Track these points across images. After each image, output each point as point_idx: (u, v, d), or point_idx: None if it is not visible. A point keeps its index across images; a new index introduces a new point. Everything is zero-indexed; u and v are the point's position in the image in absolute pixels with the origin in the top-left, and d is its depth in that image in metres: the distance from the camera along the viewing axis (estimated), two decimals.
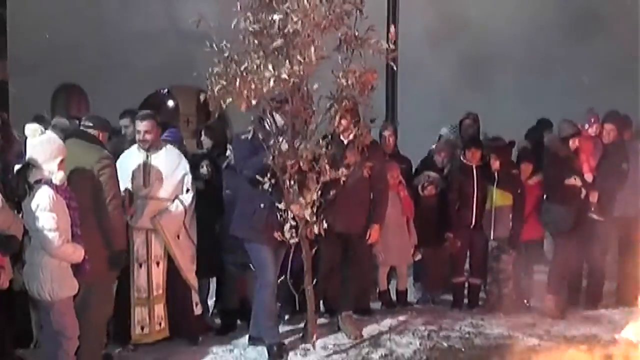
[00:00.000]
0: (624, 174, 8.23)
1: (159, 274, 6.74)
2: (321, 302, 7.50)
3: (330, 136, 6.28)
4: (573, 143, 8.12)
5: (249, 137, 6.22)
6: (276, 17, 5.72)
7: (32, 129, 5.29)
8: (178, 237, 6.77)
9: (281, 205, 6.07)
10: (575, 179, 8.06)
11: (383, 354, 6.75)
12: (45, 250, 5.12)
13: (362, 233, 7.16)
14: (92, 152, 5.76)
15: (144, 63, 12.41)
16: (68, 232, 5.21)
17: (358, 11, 5.90)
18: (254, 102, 5.81)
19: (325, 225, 6.10)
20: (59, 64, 11.53)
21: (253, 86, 5.72)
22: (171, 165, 6.76)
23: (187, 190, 6.79)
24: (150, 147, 6.72)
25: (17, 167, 5.37)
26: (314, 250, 6.40)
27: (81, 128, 6.13)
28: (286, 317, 7.59)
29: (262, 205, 6.33)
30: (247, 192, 6.43)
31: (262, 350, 6.66)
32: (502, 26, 12.54)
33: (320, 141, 6.10)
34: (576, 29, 12.39)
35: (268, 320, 6.66)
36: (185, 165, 6.83)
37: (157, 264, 6.73)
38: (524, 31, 12.53)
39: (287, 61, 5.77)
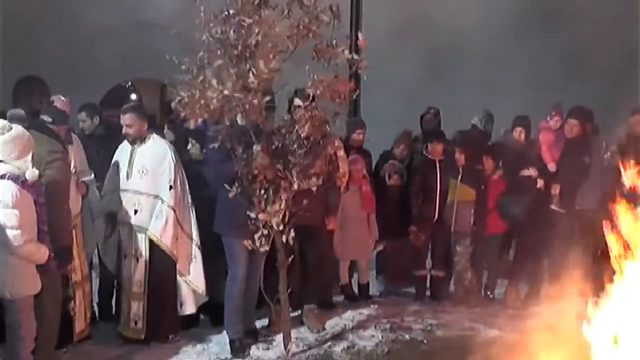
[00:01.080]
0: (585, 167, 8.34)
1: (139, 271, 6.67)
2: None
3: (297, 146, 6.22)
4: (518, 134, 8.31)
5: (217, 146, 6.17)
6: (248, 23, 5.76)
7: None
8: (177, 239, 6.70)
9: (252, 214, 6.06)
10: (529, 169, 8.20)
11: (345, 347, 6.78)
12: (7, 248, 4.99)
13: (321, 225, 7.23)
14: (44, 145, 5.55)
15: (107, 56, 12.29)
16: (33, 230, 5.09)
17: (335, 19, 5.92)
18: (199, 120, 5.96)
19: (292, 234, 6.10)
20: (21, 56, 11.38)
21: (203, 102, 5.75)
22: (156, 158, 6.69)
23: (170, 188, 6.64)
24: (135, 140, 6.72)
25: None
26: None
27: (40, 120, 6.04)
28: None
29: (238, 202, 6.25)
30: (226, 192, 6.30)
31: (226, 345, 6.66)
32: (465, 21, 12.61)
33: (298, 151, 6.09)
34: (536, 23, 12.51)
35: (233, 314, 6.69)
36: (170, 160, 6.68)
37: (137, 259, 6.68)
38: (486, 25, 12.61)
39: (235, 70, 5.81)
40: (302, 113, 6.03)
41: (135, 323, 6.72)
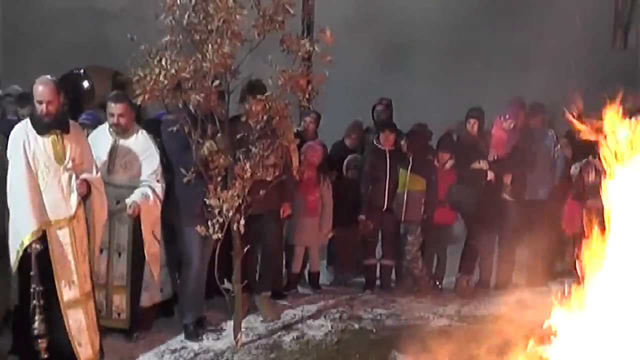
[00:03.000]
0: (535, 158, 8.47)
1: (120, 265, 6.45)
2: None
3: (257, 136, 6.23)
4: (471, 126, 8.40)
5: (175, 130, 6.16)
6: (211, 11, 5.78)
7: None
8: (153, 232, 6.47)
9: (208, 200, 6.07)
10: (479, 162, 8.29)
11: (295, 337, 6.81)
12: None
13: (276, 212, 7.27)
14: None
15: (60, 42, 12.11)
16: None
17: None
18: (147, 96, 5.82)
19: (243, 221, 6.11)
20: None
21: (152, 80, 5.74)
22: (140, 153, 6.40)
23: (158, 181, 6.42)
24: (122, 132, 6.38)
25: None
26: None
27: None
28: None
29: (196, 191, 6.26)
30: (182, 179, 6.26)
31: (177, 335, 6.74)
32: (419, 12, 12.65)
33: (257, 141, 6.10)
34: (490, 15, 12.60)
35: (188, 301, 6.80)
36: (155, 155, 6.42)
37: (119, 254, 6.44)
38: (440, 17, 12.68)
39: (205, 53, 5.80)
40: (260, 104, 6.06)
41: (119, 315, 6.52)
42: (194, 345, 6.58)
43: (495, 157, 8.49)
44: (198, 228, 6.13)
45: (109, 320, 6.46)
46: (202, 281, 6.81)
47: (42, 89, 5.56)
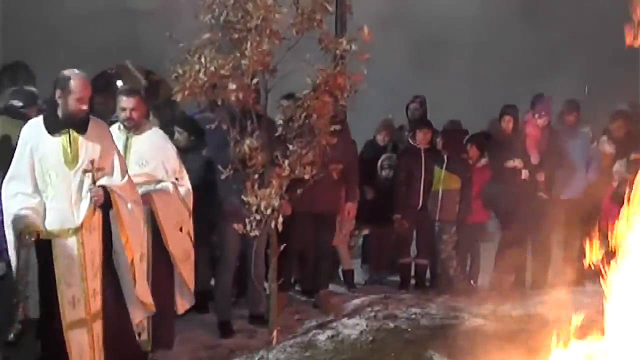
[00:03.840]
0: (566, 157, 8.36)
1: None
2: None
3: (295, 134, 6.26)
4: (506, 123, 8.32)
5: (214, 127, 6.23)
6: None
7: None
8: (181, 229, 5.98)
9: (245, 198, 6.08)
10: (514, 160, 8.21)
11: (329, 335, 6.75)
12: None
13: (335, 211, 7.33)
14: (16, 129, 5.47)
15: (92, 42, 12.19)
16: None
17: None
18: (186, 92, 5.84)
19: (281, 219, 6.11)
20: (5, 42, 11.28)
21: (191, 79, 5.78)
22: (157, 150, 5.95)
23: (177, 179, 5.98)
24: (134, 128, 5.95)
25: None
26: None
27: (10, 105, 6.00)
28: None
29: (233, 188, 6.32)
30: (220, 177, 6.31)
31: (211, 332, 6.80)
32: (451, 9, 12.58)
33: (295, 139, 6.13)
34: (523, 12, 12.50)
35: (222, 299, 6.93)
36: (174, 155, 6.03)
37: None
38: (473, 14, 12.59)
39: (244, 51, 5.83)
40: (301, 102, 6.09)
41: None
42: (229, 343, 6.61)
43: (530, 155, 8.40)
44: (235, 226, 6.13)
45: None
46: (256, 280, 6.82)
47: (84, 84, 5.14)
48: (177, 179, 5.98)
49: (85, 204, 5.16)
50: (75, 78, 5.13)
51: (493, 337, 6.16)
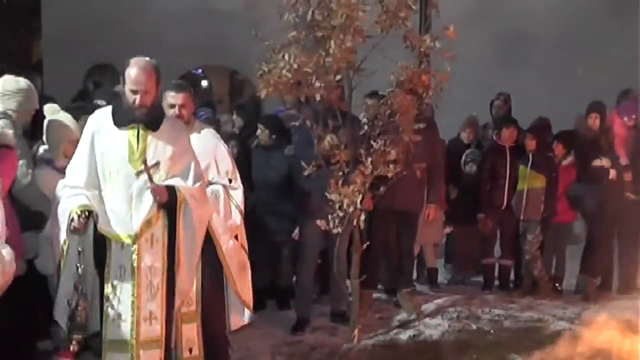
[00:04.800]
0: None
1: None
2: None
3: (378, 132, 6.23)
4: (593, 121, 8.10)
5: (299, 125, 6.25)
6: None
7: (50, 109, 5.38)
8: (236, 237, 5.37)
9: (329, 195, 6.09)
10: (601, 159, 7.99)
11: (411, 335, 6.74)
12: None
13: (418, 211, 7.27)
14: None
15: (177, 42, 12.42)
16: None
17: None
18: (271, 89, 5.86)
19: (363, 217, 6.09)
20: (92, 44, 11.59)
21: (275, 76, 5.80)
22: (206, 150, 5.27)
23: (230, 181, 5.40)
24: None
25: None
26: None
27: (94, 105, 6.14)
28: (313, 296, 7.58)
29: (315, 185, 6.34)
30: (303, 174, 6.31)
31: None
32: (537, 4, 12.36)
33: (378, 137, 6.10)
34: (611, 7, 12.18)
35: (302, 296, 6.99)
36: (227, 155, 5.47)
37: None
38: (559, 9, 12.34)
39: (328, 49, 5.83)
40: (385, 99, 6.07)
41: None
42: (310, 339, 6.63)
43: (618, 155, 8.18)
44: (319, 222, 6.16)
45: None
46: (338, 278, 6.83)
47: (139, 74, 4.57)
48: (230, 180, 5.41)
49: (147, 208, 4.57)
50: (132, 65, 4.60)
51: (578, 342, 6.03)
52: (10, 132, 4.89)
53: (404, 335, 6.74)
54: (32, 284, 5.03)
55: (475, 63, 11.30)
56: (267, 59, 5.87)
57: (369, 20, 5.94)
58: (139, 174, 4.57)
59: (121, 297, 4.56)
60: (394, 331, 6.85)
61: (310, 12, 5.86)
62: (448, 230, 8.48)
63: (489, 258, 8.42)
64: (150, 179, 4.56)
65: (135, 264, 4.56)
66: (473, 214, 8.26)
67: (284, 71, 5.75)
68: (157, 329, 4.64)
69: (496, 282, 8.43)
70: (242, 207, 5.42)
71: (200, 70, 14.72)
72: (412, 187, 6.89)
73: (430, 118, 8.03)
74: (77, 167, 4.66)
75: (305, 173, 6.10)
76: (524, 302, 7.80)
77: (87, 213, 4.44)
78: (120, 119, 4.62)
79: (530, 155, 8.13)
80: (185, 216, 4.68)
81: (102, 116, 4.72)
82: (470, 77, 10.75)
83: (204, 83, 15.36)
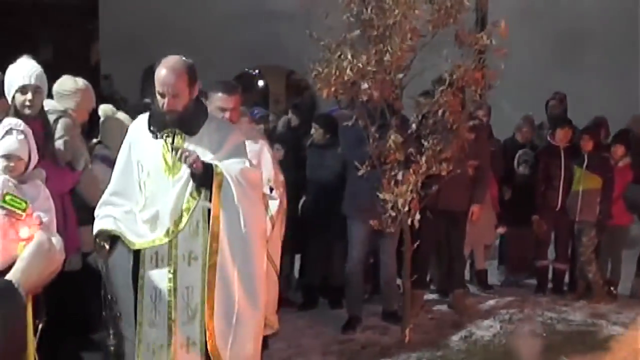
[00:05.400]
0: None
1: None
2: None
3: (429, 130, 6.25)
4: None
5: (350, 125, 6.29)
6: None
7: (106, 109, 5.54)
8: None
9: (381, 195, 6.11)
10: None
11: (462, 336, 6.72)
12: None
13: (464, 211, 7.26)
14: None
15: (234, 43, 12.59)
16: None
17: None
18: (332, 89, 5.89)
19: (418, 217, 6.10)
20: (150, 45, 11.80)
21: (337, 74, 5.81)
22: (256, 154, 5.06)
23: (271, 190, 5.16)
24: None
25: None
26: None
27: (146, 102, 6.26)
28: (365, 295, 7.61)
29: (365, 185, 6.36)
30: (355, 173, 6.36)
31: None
32: (593, 3, 12.17)
33: (431, 135, 6.11)
34: None
35: (352, 294, 6.99)
36: (268, 158, 5.23)
37: None
38: (615, 8, 12.13)
39: (375, 50, 5.86)
40: (437, 98, 6.05)
41: None
42: (361, 339, 6.65)
43: None
44: (372, 222, 6.18)
45: None
46: (389, 277, 6.94)
47: (167, 76, 4.07)
48: (271, 189, 5.12)
49: (184, 220, 4.12)
50: (161, 66, 4.13)
51: (633, 347, 5.95)
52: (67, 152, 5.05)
53: (456, 336, 6.73)
54: (87, 278, 5.11)
55: (531, 62, 11.23)
56: (321, 59, 5.91)
57: (422, 19, 5.95)
58: (179, 168, 4.10)
59: (157, 321, 4.18)
60: (445, 331, 6.84)
61: (365, 11, 5.87)
62: (500, 231, 8.41)
63: (543, 260, 8.33)
64: (176, 148, 4.07)
65: (171, 284, 4.16)
66: (526, 215, 8.15)
67: (347, 70, 5.76)
68: (194, 358, 4.17)
69: (550, 285, 8.32)
70: (280, 219, 5.28)
71: (257, 71, 14.85)
72: (457, 186, 6.81)
73: (485, 117, 8.01)
74: (113, 178, 4.36)
75: (360, 173, 6.12)
76: (577, 305, 7.72)
77: (107, 239, 4.13)
78: (155, 125, 4.21)
79: (586, 156, 8.02)
80: (227, 203, 4.07)
81: (140, 123, 4.34)
82: (527, 76, 10.69)
83: (260, 83, 15.50)
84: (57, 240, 2.00)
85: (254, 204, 4.24)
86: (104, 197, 4.31)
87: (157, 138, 4.18)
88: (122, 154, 4.33)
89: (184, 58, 4.19)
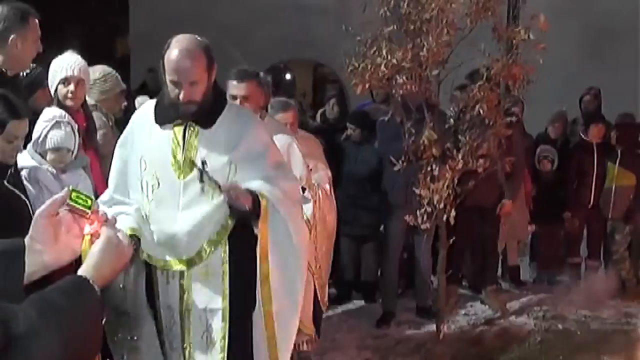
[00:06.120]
0: None
1: None
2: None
3: (467, 126, 6.20)
4: None
5: (387, 120, 6.26)
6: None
7: (142, 101, 5.55)
8: None
9: (417, 190, 6.10)
10: None
11: (496, 333, 6.71)
12: None
13: (495, 207, 7.23)
14: None
15: (265, 37, 12.58)
16: None
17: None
18: (367, 85, 5.86)
19: (454, 213, 6.06)
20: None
21: (372, 69, 5.79)
22: (282, 148, 4.27)
23: (303, 190, 4.58)
24: None
25: None
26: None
27: None
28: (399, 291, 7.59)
29: (401, 180, 6.37)
30: (391, 168, 6.32)
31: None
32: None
33: (468, 131, 6.06)
34: None
35: (386, 289, 7.02)
36: (299, 157, 4.71)
37: None
38: None
39: (411, 45, 5.83)
40: (474, 93, 5.99)
41: None
42: (395, 333, 6.67)
43: None
44: (407, 217, 6.18)
45: None
46: (423, 273, 6.93)
47: (182, 60, 3.34)
48: (303, 189, 4.60)
49: (200, 221, 3.47)
50: (172, 47, 3.41)
51: None
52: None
53: (489, 333, 6.72)
54: None
55: (566, 57, 11.12)
56: (356, 54, 5.88)
57: (459, 13, 5.89)
58: (191, 168, 3.42)
59: (176, 345, 3.57)
60: (479, 328, 6.84)
61: (402, 5, 5.83)
62: (531, 229, 8.35)
63: (575, 257, 8.28)
64: (213, 180, 3.34)
65: (184, 305, 3.51)
66: (555, 212, 8.11)
67: (382, 66, 5.74)
68: None
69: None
70: (314, 222, 4.81)
71: (284, 64, 14.84)
72: (488, 182, 6.80)
73: (520, 112, 7.95)
74: (112, 176, 3.69)
75: (395, 168, 6.11)
76: (611, 303, 7.67)
77: (135, 239, 3.41)
78: (162, 116, 3.52)
79: (619, 152, 7.96)
80: (275, 228, 3.47)
81: (144, 112, 3.63)
82: (562, 71, 10.59)
83: (288, 77, 15.49)
84: (123, 234, 2.01)
85: (299, 223, 3.69)
86: (105, 197, 3.68)
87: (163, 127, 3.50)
88: (123, 146, 3.67)
89: (197, 37, 3.47)
